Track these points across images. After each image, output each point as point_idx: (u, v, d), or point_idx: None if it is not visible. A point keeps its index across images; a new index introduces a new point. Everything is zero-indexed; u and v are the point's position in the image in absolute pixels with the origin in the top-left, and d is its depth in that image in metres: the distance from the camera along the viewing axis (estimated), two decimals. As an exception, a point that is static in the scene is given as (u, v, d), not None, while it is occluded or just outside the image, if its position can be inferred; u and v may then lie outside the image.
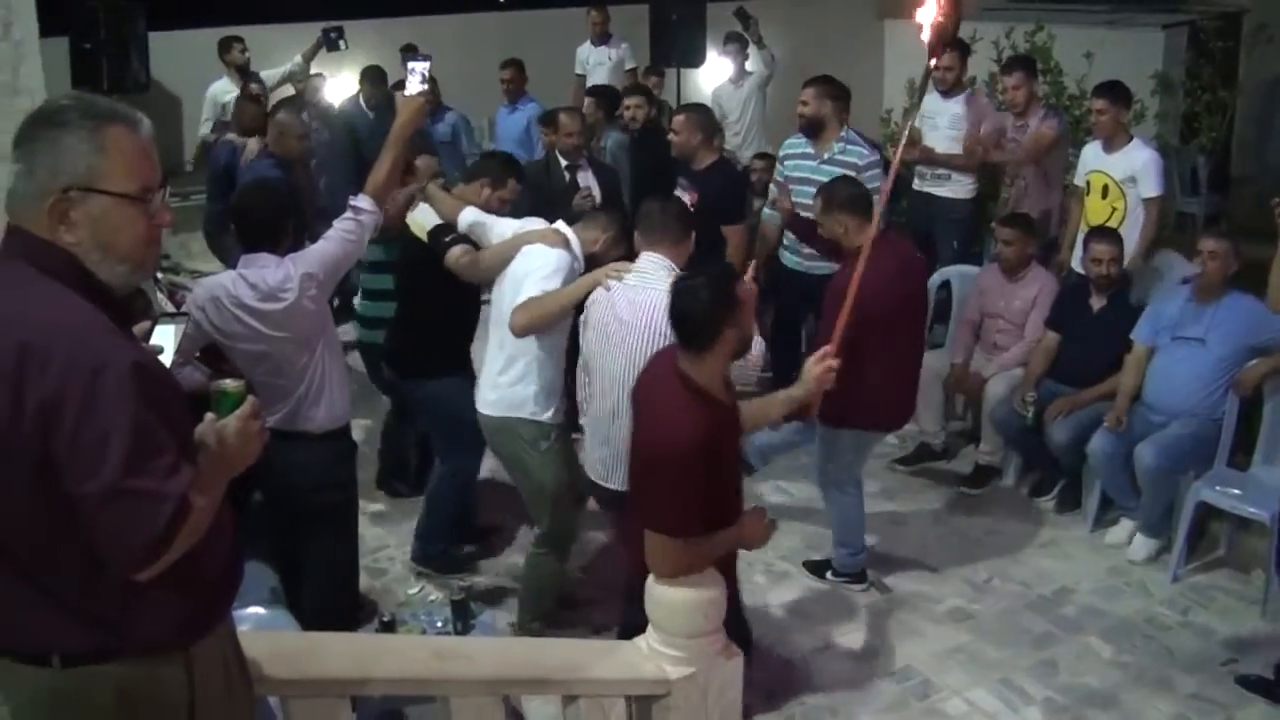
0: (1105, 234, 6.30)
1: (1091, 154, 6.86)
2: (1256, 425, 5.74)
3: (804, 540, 5.95)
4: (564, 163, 7.11)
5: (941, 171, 7.69)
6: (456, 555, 5.71)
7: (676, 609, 2.92)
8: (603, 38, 10.39)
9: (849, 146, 6.53)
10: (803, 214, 6.24)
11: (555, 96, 8.83)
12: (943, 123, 7.64)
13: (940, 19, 4.36)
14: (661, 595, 2.93)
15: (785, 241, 6.90)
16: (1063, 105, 8.65)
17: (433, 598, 5.31)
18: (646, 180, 7.44)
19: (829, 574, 5.61)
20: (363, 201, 4.45)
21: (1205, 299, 5.72)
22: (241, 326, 4.26)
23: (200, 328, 4.36)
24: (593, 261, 4.83)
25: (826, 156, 6.54)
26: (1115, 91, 6.70)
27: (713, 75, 10.59)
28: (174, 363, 4.25)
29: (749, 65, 10.02)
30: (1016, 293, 6.53)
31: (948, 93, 7.62)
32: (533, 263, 4.77)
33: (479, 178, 5.45)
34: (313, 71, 9.92)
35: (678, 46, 10.09)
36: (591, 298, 4.57)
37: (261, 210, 4.46)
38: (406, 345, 5.56)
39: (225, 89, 9.47)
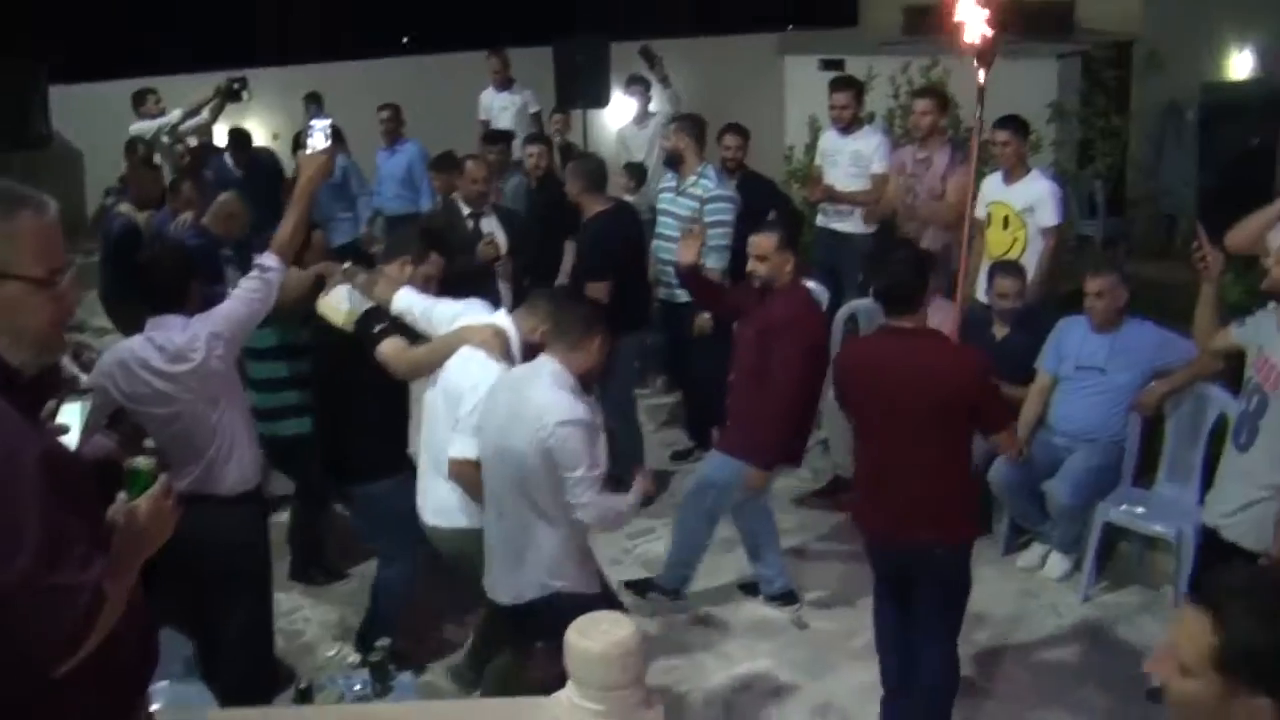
0: (1009, 268, 6.38)
1: (992, 185, 6.93)
2: (1159, 445, 5.87)
3: (739, 573, 6.00)
4: (466, 210, 7.09)
5: (844, 207, 7.80)
6: (400, 651, 4.97)
7: (594, 662, 2.92)
8: (504, 84, 10.36)
9: (700, 180, 6.94)
10: (666, 244, 6.82)
11: (459, 141, 8.83)
12: (843, 160, 7.76)
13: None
14: (579, 648, 2.93)
15: (665, 279, 7.09)
16: (961, 137, 8.81)
17: (350, 659, 5.22)
18: (543, 229, 7.48)
19: (761, 597, 5.79)
20: (268, 259, 4.44)
21: (1103, 329, 5.83)
22: (150, 390, 4.22)
23: (108, 394, 4.30)
24: (530, 352, 4.46)
25: (682, 188, 7.00)
26: (1018, 123, 6.82)
27: (619, 115, 10.59)
28: (82, 439, 4.19)
29: (653, 106, 10.01)
30: (921, 324, 6.61)
31: (846, 129, 7.74)
32: (468, 380, 4.44)
33: (397, 256, 5.02)
34: (190, 124, 9.72)
35: (582, 88, 10.16)
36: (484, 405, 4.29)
37: (166, 273, 4.44)
38: (338, 449, 5.07)
39: (146, 128, 9.32)
